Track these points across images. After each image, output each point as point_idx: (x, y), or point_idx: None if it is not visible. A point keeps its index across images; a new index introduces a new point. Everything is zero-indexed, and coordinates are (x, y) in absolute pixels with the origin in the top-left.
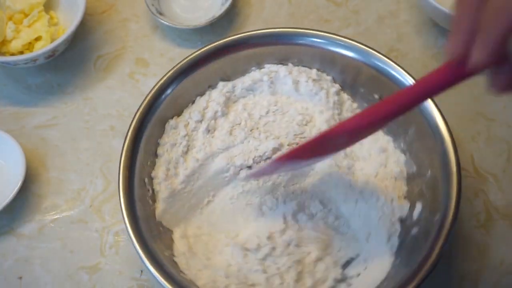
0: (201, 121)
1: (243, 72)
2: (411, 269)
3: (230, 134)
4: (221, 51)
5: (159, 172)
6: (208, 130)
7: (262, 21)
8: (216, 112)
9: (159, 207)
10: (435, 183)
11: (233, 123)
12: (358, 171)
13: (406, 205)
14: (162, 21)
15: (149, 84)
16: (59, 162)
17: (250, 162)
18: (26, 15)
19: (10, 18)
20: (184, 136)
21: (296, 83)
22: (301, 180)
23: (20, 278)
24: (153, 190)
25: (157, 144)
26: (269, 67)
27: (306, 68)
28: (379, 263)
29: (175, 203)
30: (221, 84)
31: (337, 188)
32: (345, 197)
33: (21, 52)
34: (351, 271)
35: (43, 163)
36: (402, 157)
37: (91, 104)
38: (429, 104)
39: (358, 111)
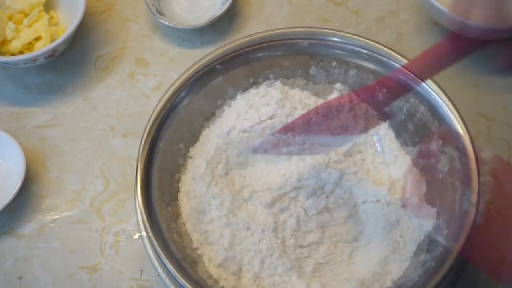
0: None
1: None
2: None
3: None
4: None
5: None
6: None
7: (262, 21)
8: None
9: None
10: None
11: None
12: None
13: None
14: (162, 21)
15: (149, 84)
16: (59, 162)
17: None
18: (26, 15)
19: (10, 18)
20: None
21: None
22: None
23: (20, 278)
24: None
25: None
26: None
27: None
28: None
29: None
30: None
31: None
32: None
33: (21, 52)
34: None
35: (43, 163)
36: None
37: (91, 104)
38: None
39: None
